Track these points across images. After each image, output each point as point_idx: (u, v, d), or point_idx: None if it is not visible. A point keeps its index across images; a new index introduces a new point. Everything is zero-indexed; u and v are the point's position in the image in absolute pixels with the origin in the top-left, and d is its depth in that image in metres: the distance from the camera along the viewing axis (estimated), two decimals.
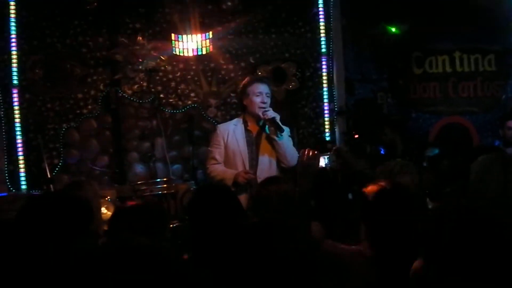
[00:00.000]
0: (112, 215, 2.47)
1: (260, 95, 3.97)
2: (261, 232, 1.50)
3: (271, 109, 3.96)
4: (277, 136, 3.92)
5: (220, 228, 2.05)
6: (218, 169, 4.01)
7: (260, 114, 3.94)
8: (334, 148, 4.67)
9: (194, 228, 2.17)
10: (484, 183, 2.67)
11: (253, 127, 4.06)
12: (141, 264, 1.08)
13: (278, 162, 3.99)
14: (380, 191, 2.32)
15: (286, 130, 4.03)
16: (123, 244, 1.13)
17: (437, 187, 3.21)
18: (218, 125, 4.36)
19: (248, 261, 1.40)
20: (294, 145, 4.19)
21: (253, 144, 4.01)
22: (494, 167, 2.66)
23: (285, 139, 3.98)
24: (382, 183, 2.38)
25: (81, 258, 1.24)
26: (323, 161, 4.21)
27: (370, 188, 2.36)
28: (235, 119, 4.21)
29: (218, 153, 4.04)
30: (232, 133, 4.04)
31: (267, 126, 3.99)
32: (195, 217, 2.20)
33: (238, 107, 5.77)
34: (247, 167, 3.95)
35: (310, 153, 3.25)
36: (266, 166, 3.96)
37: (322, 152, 4.08)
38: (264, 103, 3.96)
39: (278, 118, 3.92)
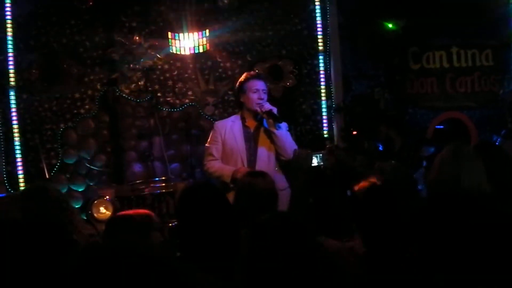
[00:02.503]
0: (105, 225, 2.49)
1: (257, 91, 4.01)
2: (259, 230, 1.50)
3: (267, 102, 4.00)
4: (276, 128, 3.95)
5: (209, 228, 2.06)
6: (216, 165, 4.03)
7: (257, 108, 3.97)
8: (327, 146, 4.67)
9: (183, 227, 2.18)
10: (441, 174, 2.70)
11: (251, 123, 4.09)
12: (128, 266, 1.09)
13: (277, 155, 4.01)
14: (369, 188, 2.33)
15: (284, 124, 4.06)
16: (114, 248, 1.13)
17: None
18: (216, 122, 4.38)
19: (243, 261, 1.40)
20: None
21: (251, 140, 4.04)
22: (448, 158, 2.69)
23: (284, 131, 4.03)
24: (372, 180, 2.38)
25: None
26: (316, 160, 4.22)
27: (360, 185, 2.36)
28: (233, 116, 4.25)
29: (215, 149, 4.06)
30: (230, 129, 4.06)
31: (264, 120, 4.02)
32: (183, 217, 2.21)
33: (236, 104, 5.82)
34: (245, 164, 3.96)
35: (303, 152, 3.29)
36: (265, 161, 3.98)
37: (317, 150, 4.09)
38: (261, 99, 4.00)
39: (275, 110, 3.95)
